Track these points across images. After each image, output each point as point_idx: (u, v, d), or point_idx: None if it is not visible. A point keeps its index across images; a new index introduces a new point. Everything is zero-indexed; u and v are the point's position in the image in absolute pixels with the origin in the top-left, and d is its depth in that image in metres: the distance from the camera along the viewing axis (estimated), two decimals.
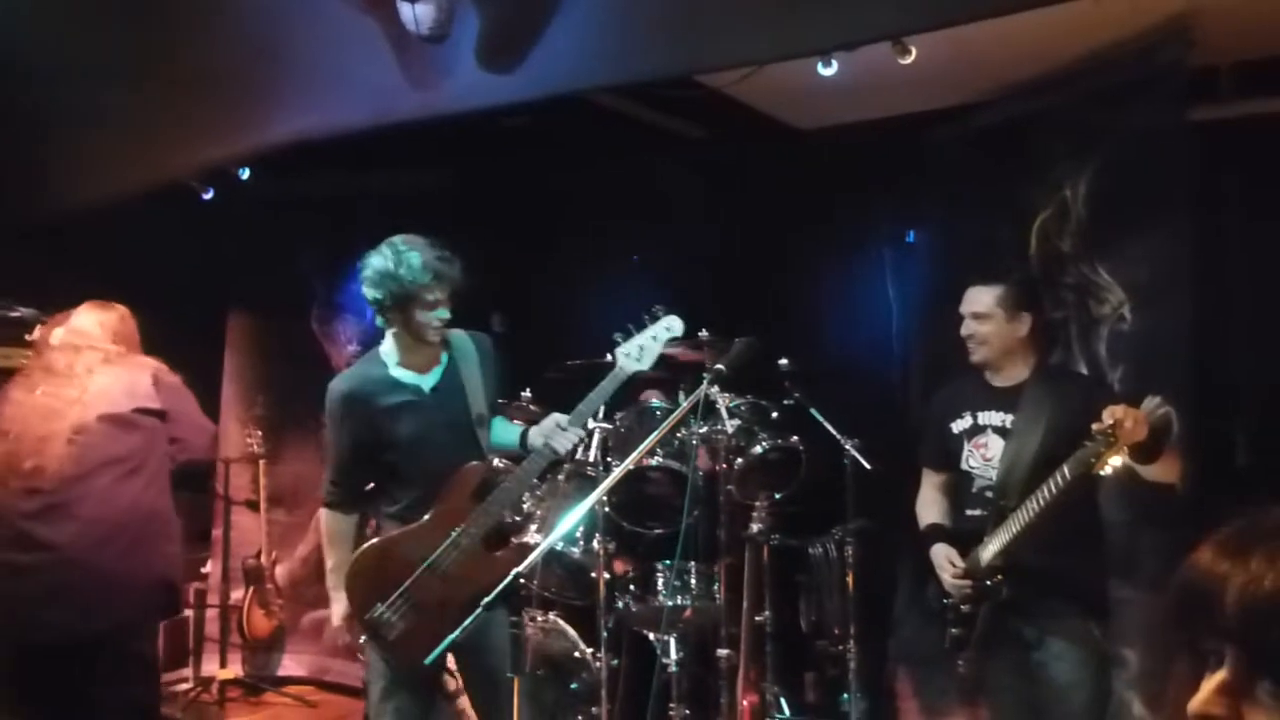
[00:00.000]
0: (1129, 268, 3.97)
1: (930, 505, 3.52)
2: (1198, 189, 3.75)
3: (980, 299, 3.30)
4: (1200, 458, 3.26)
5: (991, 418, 3.31)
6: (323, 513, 3.49)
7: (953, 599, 3.29)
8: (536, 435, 3.37)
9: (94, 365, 3.72)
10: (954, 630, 3.29)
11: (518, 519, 4.19)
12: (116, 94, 4.38)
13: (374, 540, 3.37)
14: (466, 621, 2.58)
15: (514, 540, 3.30)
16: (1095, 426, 2.83)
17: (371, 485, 3.52)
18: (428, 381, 3.36)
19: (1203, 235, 3.80)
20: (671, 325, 3.32)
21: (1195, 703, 0.93)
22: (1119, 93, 3.94)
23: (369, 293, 3.27)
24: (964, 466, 3.35)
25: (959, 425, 3.39)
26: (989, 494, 3.24)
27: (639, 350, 3.30)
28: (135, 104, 4.35)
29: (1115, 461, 2.83)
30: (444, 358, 3.40)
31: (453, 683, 3.80)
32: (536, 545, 4.08)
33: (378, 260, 3.25)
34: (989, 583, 3.16)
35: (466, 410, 3.34)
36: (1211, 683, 0.92)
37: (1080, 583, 3.19)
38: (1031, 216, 4.26)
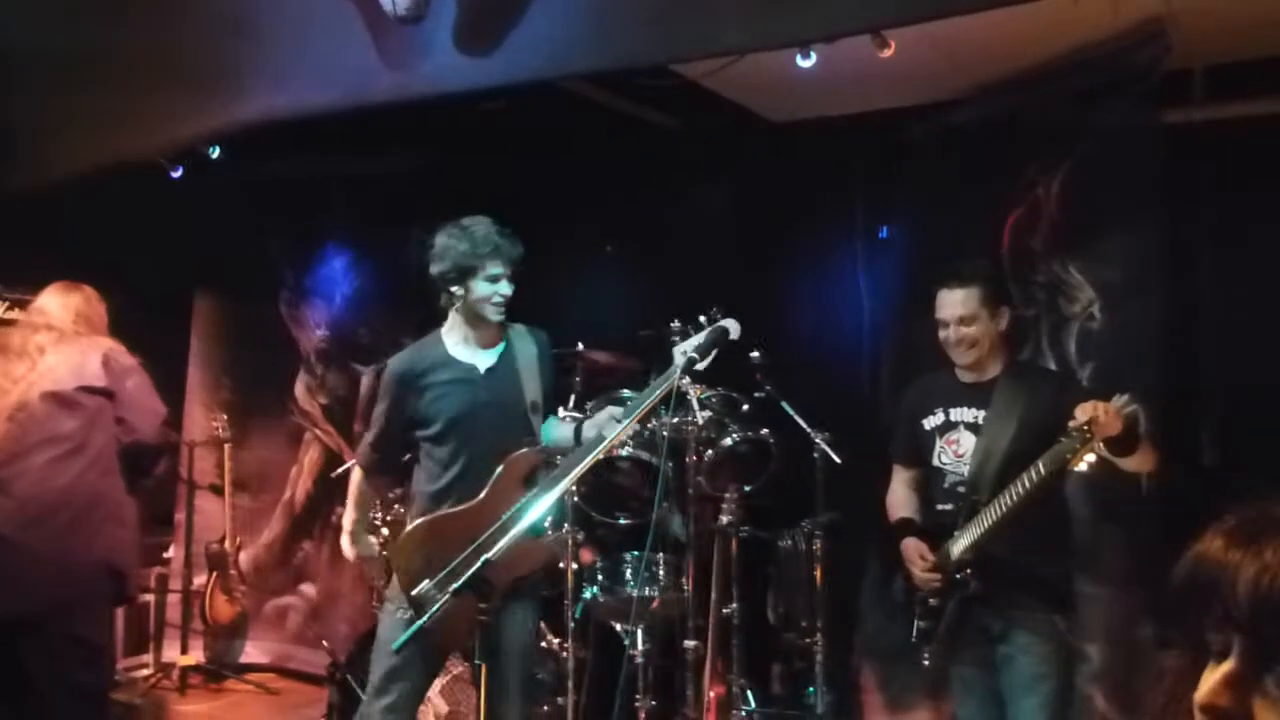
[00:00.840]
0: (1100, 267, 4.00)
1: (901, 500, 3.52)
2: (1169, 191, 3.78)
3: (962, 302, 3.27)
4: (1166, 457, 3.28)
5: (964, 414, 3.32)
6: (355, 473, 3.60)
7: (921, 592, 3.30)
8: (591, 428, 3.37)
9: (47, 345, 3.66)
10: (921, 623, 3.31)
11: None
12: (86, 70, 4.31)
13: (424, 518, 3.37)
14: (433, 609, 2.57)
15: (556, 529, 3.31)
16: (1071, 424, 2.85)
17: (408, 459, 3.54)
18: (484, 362, 3.41)
19: (1173, 237, 3.84)
20: (729, 327, 3.26)
21: (1202, 693, 0.92)
22: (1094, 93, 3.97)
23: (433, 269, 3.35)
24: (935, 462, 3.36)
25: (931, 421, 3.39)
26: (960, 489, 3.25)
27: (695, 348, 3.29)
28: (105, 80, 4.28)
29: (1090, 458, 2.86)
30: (503, 343, 3.45)
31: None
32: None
33: (441, 236, 3.35)
34: (958, 576, 3.17)
35: (520, 396, 3.38)
36: (1218, 674, 0.91)
37: (1048, 577, 3.21)
38: (1005, 214, 4.28)
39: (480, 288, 3.31)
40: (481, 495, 3.26)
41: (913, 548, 3.32)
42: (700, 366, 3.18)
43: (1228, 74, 4.10)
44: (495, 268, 3.30)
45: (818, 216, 5.24)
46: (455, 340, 3.42)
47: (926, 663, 3.39)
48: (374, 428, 3.52)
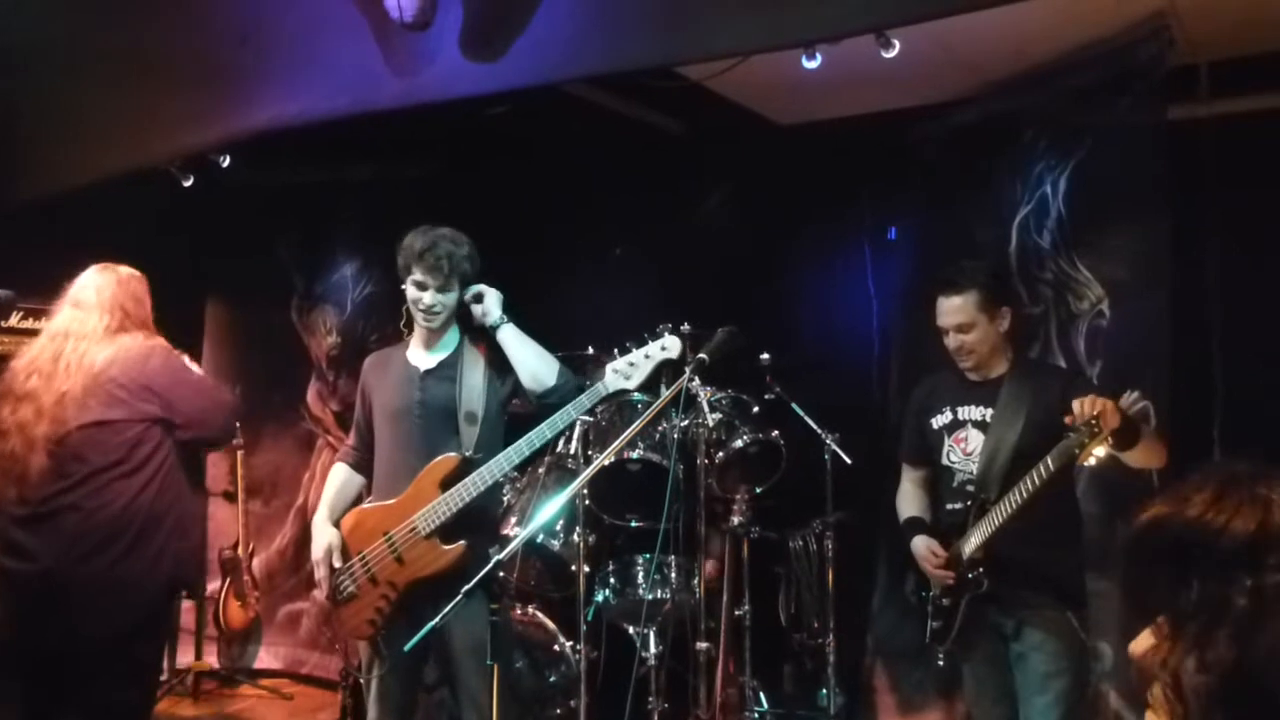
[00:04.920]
0: (1108, 264, 4.00)
1: (910, 499, 3.52)
2: (1176, 187, 3.78)
3: (959, 309, 3.27)
4: (1176, 453, 3.27)
5: (971, 412, 3.32)
6: (336, 463, 3.66)
7: (934, 591, 3.30)
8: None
9: (76, 363, 3.49)
10: (934, 623, 3.30)
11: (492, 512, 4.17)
12: (94, 78, 4.34)
13: (354, 508, 3.51)
14: (447, 609, 2.58)
15: (469, 536, 3.29)
16: (1078, 418, 2.84)
17: None
18: (425, 364, 3.46)
19: (1181, 233, 3.83)
20: (668, 345, 3.28)
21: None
22: (1099, 90, 3.96)
23: None
24: (944, 461, 3.36)
25: (939, 420, 3.39)
26: (969, 488, 3.25)
27: (629, 368, 3.29)
28: (115, 89, 4.32)
29: (1099, 452, 2.84)
30: (451, 349, 3.48)
31: (432, 674, 3.80)
32: (514, 537, 4.08)
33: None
34: (970, 575, 3.17)
35: (455, 402, 3.38)
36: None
37: (1060, 574, 3.19)
38: (1012, 213, 4.28)
39: (409, 291, 3.39)
40: (401, 495, 3.34)
41: (924, 546, 3.32)
42: (628, 385, 3.26)
43: (1233, 70, 4.09)
44: (419, 274, 3.34)
45: (825, 218, 5.25)
46: (415, 342, 3.52)
47: (940, 662, 3.39)
48: (354, 424, 3.67)
